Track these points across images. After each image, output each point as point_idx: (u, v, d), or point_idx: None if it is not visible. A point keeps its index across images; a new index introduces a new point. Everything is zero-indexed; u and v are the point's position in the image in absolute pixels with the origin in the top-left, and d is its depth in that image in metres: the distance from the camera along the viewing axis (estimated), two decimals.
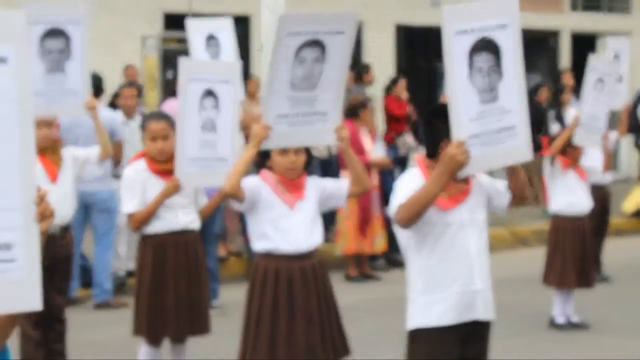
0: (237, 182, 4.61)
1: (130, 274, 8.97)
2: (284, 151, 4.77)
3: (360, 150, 9.54)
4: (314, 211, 4.86)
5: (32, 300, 2.31)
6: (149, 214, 5.57)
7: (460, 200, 4.02)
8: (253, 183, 4.74)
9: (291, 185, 4.81)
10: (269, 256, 4.77)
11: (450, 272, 3.98)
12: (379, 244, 9.92)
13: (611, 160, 8.48)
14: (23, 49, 2.34)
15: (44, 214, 2.34)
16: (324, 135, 4.72)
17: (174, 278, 5.60)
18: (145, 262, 5.62)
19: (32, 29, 5.63)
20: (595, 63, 7.41)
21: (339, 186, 4.95)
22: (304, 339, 4.70)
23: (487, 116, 3.72)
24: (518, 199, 4.14)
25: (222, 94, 5.54)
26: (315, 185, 4.90)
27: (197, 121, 5.50)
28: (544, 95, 12.19)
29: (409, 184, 3.97)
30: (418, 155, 4.24)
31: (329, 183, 5.00)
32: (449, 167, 3.68)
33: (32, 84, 2.42)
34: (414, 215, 3.82)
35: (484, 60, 3.71)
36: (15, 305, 2.32)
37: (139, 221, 5.59)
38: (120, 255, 9.09)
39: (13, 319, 2.47)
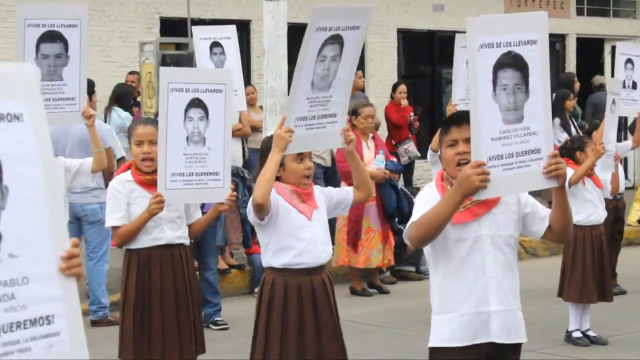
0: (268, 192, 4.36)
1: None
2: (299, 157, 4.54)
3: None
4: (327, 221, 4.67)
5: None
6: (134, 232, 5.21)
7: (479, 214, 3.72)
8: None
9: (305, 195, 4.60)
10: (287, 271, 4.53)
11: (461, 291, 3.74)
12: (377, 258, 9.26)
13: (618, 181, 8.21)
14: (37, 104, 2.15)
15: (74, 272, 2.17)
16: (333, 138, 4.51)
17: (159, 296, 5.26)
18: (130, 279, 5.30)
19: (28, 31, 5.53)
20: (612, 87, 7.37)
21: (345, 194, 4.76)
22: (333, 356, 4.53)
23: (510, 137, 3.45)
24: (557, 235, 3.81)
25: (211, 104, 5.10)
26: (322, 194, 4.71)
27: (182, 133, 5.07)
28: (570, 103, 11.46)
29: (425, 198, 3.74)
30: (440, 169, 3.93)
31: (334, 191, 4.82)
32: (462, 188, 3.42)
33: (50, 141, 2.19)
34: (423, 235, 3.61)
35: (509, 77, 3.45)
36: None
37: (123, 237, 5.25)
38: None
39: None
